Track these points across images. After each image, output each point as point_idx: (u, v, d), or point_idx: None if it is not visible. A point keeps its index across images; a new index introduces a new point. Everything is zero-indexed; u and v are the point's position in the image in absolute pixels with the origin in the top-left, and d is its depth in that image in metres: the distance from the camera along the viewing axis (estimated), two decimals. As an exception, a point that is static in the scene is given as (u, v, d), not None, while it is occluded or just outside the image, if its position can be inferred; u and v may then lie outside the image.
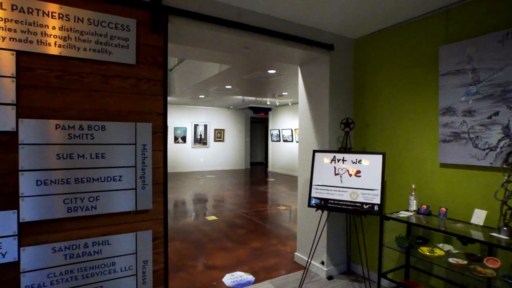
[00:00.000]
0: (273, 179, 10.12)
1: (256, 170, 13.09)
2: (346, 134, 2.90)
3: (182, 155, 11.90)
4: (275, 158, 12.40)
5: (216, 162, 12.64)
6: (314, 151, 2.82)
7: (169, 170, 11.62)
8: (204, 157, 12.37)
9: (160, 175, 2.07)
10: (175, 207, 6.03)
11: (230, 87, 7.57)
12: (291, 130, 11.22)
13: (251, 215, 5.36)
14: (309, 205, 2.73)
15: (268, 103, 9.80)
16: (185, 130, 11.96)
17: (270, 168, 12.59)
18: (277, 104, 10.13)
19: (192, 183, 9.01)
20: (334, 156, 2.71)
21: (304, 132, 3.24)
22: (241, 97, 9.38)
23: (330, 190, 2.65)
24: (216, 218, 5.11)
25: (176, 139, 11.79)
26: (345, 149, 2.87)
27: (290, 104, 10.23)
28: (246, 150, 13.53)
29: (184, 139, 11.95)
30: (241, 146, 13.29)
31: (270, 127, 12.68)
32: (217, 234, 4.31)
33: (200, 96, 9.42)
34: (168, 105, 11.11)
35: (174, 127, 11.73)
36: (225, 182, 9.39)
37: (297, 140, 10.98)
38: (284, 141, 11.74)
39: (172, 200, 6.63)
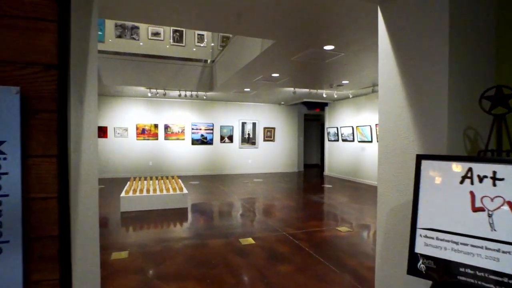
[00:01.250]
0: (330, 186, 8.57)
1: (311, 173, 11.59)
2: (497, 120, 1.38)
3: (228, 156, 10.97)
4: (332, 160, 10.76)
5: (265, 164, 11.46)
6: (420, 157, 1.39)
7: (215, 172, 10.91)
8: (253, 158, 11.27)
9: (50, 219, 0.87)
10: (206, 219, 4.96)
11: (277, 75, 6.29)
12: (352, 128, 9.51)
13: (300, 239, 4.01)
14: (411, 271, 1.32)
15: (324, 95, 8.31)
16: (231, 128, 11.01)
17: (326, 172, 10.99)
18: (335, 96, 8.58)
19: (237, 188, 7.94)
20: (470, 169, 1.26)
21: (388, 122, 1.80)
22: (291, 89, 8.04)
23: (463, 244, 1.22)
24: (253, 242, 3.87)
25: (222, 138, 10.90)
26: (496, 153, 1.39)
27: (351, 96, 8.59)
28: (299, 151, 12.11)
29: (230, 138, 11.00)
30: (294, 146, 11.91)
31: (326, 124, 11.08)
32: (249, 272, 3.06)
33: (246, 90, 8.31)
34: (212, 101, 10.26)
35: (220, 126, 10.85)
36: (273, 188, 8.13)
37: (359, 140, 9.24)
38: (344, 140, 10.06)
39: (206, 209, 5.59)
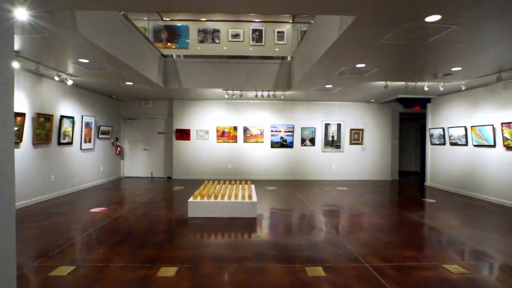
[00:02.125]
0: (434, 200, 6.91)
1: (407, 183, 9.80)
2: None
3: (309, 160, 10.11)
4: (436, 168, 8.82)
5: (351, 170, 10.18)
6: None
7: (294, 178, 10.17)
8: (337, 163, 10.15)
9: None
10: (272, 235, 4.30)
11: (363, 65, 5.23)
12: (465, 129, 7.54)
13: (389, 278, 2.99)
14: None
15: (426, 88, 6.73)
16: (313, 130, 10.13)
17: (428, 182, 9.09)
18: (441, 89, 6.87)
19: (316, 197, 7.07)
20: None
21: None
22: (382, 83, 6.75)
23: None
24: (323, 275, 3.04)
25: (303, 141, 10.12)
26: None
27: (464, 88, 6.76)
28: (394, 156, 10.41)
29: (312, 141, 10.13)
30: (386, 151, 10.29)
31: (429, 125, 9.18)
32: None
33: (327, 87, 7.38)
34: (292, 102, 9.59)
35: (301, 128, 10.09)
36: (359, 198, 6.97)
37: (475, 144, 7.24)
38: (453, 144, 8.10)
39: (276, 221, 4.93)
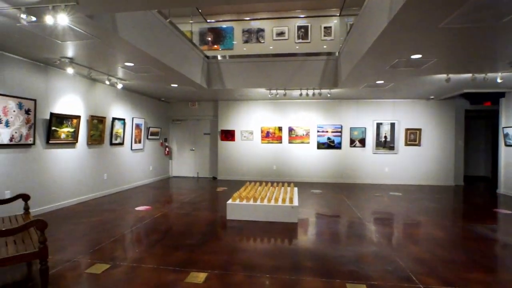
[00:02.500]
0: (510, 212, 5.90)
1: (475, 190, 8.61)
2: None
3: (359, 163, 9.43)
4: (513, 174, 7.59)
5: (407, 174, 9.26)
6: None
7: (342, 181, 9.53)
8: (390, 166, 9.32)
9: None
10: (312, 244, 3.95)
11: (419, 56, 4.62)
12: (552, 127, 6.33)
13: (450, 304, 2.49)
14: None
15: (498, 81, 5.77)
16: (363, 130, 9.43)
17: (502, 189, 7.87)
18: (520, 82, 5.84)
19: (365, 202, 6.50)
20: None
21: None
22: (443, 76, 5.96)
23: None
24: (367, 295, 2.64)
25: (352, 142, 9.48)
26: None
27: (550, 79, 5.65)
28: (458, 159, 9.23)
29: (362, 142, 9.44)
30: (449, 152, 9.17)
31: (502, 123, 7.95)
32: None
33: (378, 82, 6.75)
34: (340, 100, 9.00)
35: (350, 128, 9.47)
36: (415, 206, 6.24)
37: None
38: (535, 146, 6.87)
39: (318, 228, 4.56)
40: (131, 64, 5.42)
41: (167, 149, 10.16)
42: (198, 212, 5.57)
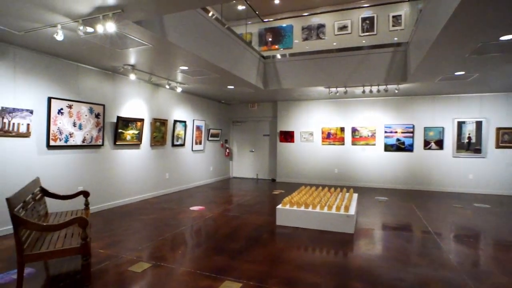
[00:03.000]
0: None
1: None
2: None
3: (435, 167, 8.24)
4: None
5: (497, 182, 7.75)
6: None
7: (413, 187, 8.44)
8: (475, 172, 7.92)
9: None
10: (367, 262, 3.44)
11: (510, 37, 3.73)
12: None
13: None
14: None
15: None
16: (441, 131, 8.22)
17: None
18: None
19: (441, 215, 5.58)
20: None
21: None
22: (549, 61, 4.75)
23: None
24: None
25: (427, 143, 8.34)
26: None
27: None
28: None
29: (439, 143, 8.23)
30: (560, 158, 7.39)
31: None
32: None
33: (458, 74, 5.75)
34: (412, 97, 7.99)
35: (424, 127, 8.34)
36: (509, 222, 5.11)
37: None
38: None
39: (378, 243, 3.99)
40: (186, 68, 5.58)
41: (227, 150, 10.36)
42: (249, 215, 5.44)
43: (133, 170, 6.42)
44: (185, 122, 8.03)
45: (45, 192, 3.71)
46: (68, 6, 3.07)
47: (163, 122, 7.21)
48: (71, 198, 3.86)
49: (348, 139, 9.02)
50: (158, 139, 7.09)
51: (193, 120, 8.45)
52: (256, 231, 4.53)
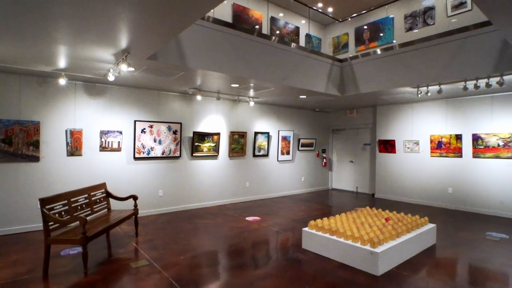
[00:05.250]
0: None
1: None
2: None
3: None
4: None
5: None
6: None
7: None
8: None
9: None
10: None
11: None
12: None
13: None
14: None
15: None
16: None
17: None
18: None
19: None
20: None
21: None
22: None
23: None
24: None
25: None
26: None
27: None
28: None
29: None
30: None
31: None
32: None
33: None
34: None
35: None
36: None
37: None
38: None
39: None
40: (237, 85, 5.95)
41: (324, 160, 9.90)
42: (287, 233, 5.20)
43: (210, 178, 7.31)
44: (267, 133, 8.36)
45: (108, 194, 4.96)
46: (102, 56, 4.09)
47: (242, 135, 7.80)
48: (125, 200, 4.98)
49: (467, 150, 6.85)
50: (237, 150, 7.74)
51: (278, 130, 8.64)
52: (278, 251, 4.35)
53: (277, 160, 8.69)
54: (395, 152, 8.17)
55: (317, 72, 6.36)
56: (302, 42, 8.34)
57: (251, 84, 5.87)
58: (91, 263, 3.83)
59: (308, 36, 8.55)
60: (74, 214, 4.03)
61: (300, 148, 9.24)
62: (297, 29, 8.26)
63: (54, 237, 3.53)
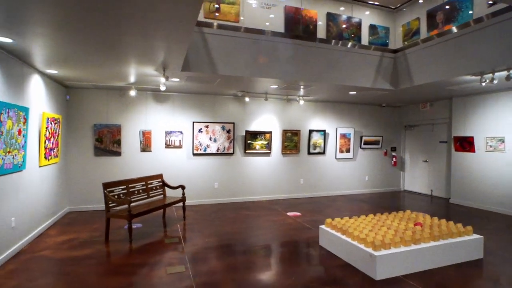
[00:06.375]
0: None
1: None
2: None
3: None
4: None
5: None
6: None
7: None
8: None
9: None
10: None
11: None
12: None
13: None
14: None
15: None
16: None
17: None
18: None
19: None
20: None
21: None
22: None
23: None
24: None
25: None
26: None
27: None
28: None
29: None
30: None
31: None
32: None
33: None
34: None
35: None
36: None
37: None
38: None
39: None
40: (275, 86, 6.28)
41: (394, 159, 9.12)
42: (316, 230, 5.25)
43: (262, 174, 7.80)
44: (323, 131, 8.30)
45: (163, 183, 6.04)
46: (149, 72, 5.11)
47: (295, 133, 8.01)
48: (176, 188, 5.96)
49: None
50: (290, 148, 8.00)
51: (336, 128, 8.47)
52: (296, 245, 4.58)
53: (335, 158, 8.52)
54: (474, 151, 6.98)
55: (360, 66, 6.10)
56: (365, 35, 7.93)
57: (285, 85, 6.09)
58: (139, 235, 4.87)
59: (372, 27, 8.07)
60: (131, 197, 5.16)
61: (362, 146, 8.80)
62: (358, 22, 7.90)
63: (111, 213, 4.68)
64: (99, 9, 2.63)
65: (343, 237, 4.06)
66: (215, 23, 5.22)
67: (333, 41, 6.03)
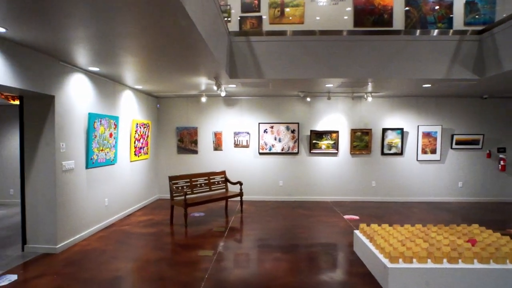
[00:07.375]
0: None
1: None
2: None
3: None
4: None
5: None
6: None
7: None
8: None
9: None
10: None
11: None
12: None
13: None
14: None
15: None
16: None
17: None
18: None
19: None
20: None
21: None
22: None
23: None
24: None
25: None
26: None
27: None
28: None
29: None
30: None
31: None
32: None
33: None
34: None
35: None
36: None
37: None
38: None
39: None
40: (331, 85, 6.15)
41: (502, 162, 7.39)
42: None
43: (328, 174, 7.65)
44: (401, 129, 7.49)
45: (225, 179, 6.75)
46: (205, 81, 5.90)
47: (366, 132, 7.52)
48: (235, 184, 6.59)
49: None
50: (360, 148, 7.57)
51: (418, 126, 7.49)
52: (320, 246, 4.56)
53: (416, 159, 7.56)
54: None
55: (429, 54, 5.35)
56: (459, 14, 6.78)
57: (341, 81, 5.88)
58: (198, 222, 5.71)
59: (470, 3, 6.85)
60: (193, 190, 6.05)
61: (454, 146, 7.49)
62: (449, 1, 6.80)
63: (174, 201, 5.64)
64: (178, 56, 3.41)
65: (370, 244, 3.81)
66: (277, 28, 5.69)
67: (402, 30, 5.48)
